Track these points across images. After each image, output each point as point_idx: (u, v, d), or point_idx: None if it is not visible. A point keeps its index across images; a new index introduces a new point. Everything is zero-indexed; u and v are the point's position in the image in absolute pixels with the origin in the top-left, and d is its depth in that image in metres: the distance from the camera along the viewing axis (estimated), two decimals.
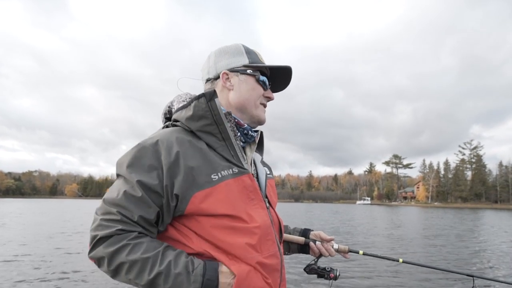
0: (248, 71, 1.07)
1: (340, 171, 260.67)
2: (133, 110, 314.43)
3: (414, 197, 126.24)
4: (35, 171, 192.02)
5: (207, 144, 0.98)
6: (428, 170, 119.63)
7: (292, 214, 36.20)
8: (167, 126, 1.05)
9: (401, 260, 1.51)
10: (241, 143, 1.08)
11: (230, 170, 0.96)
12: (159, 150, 0.92)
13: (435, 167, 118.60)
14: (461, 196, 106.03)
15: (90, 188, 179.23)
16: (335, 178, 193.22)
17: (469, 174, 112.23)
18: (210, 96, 0.97)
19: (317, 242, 1.32)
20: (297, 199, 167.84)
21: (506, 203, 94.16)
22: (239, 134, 1.07)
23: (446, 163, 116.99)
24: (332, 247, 1.32)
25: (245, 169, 1.00)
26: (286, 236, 1.32)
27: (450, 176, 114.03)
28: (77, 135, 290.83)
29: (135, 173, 0.90)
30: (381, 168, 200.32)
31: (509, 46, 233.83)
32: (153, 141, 0.93)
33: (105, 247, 0.84)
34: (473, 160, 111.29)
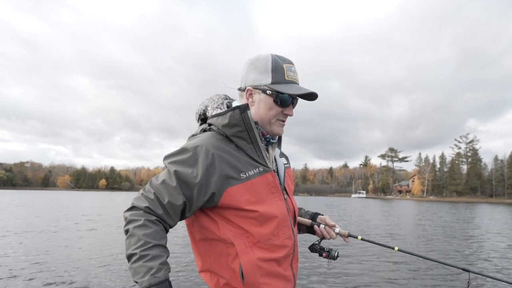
0: (268, 91, 1.20)
1: (336, 164, 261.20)
2: (126, 100, 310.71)
3: (409, 191, 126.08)
4: (27, 162, 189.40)
5: (238, 147, 1.19)
6: (423, 164, 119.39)
7: None
8: (204, 130, 1.25)
9: (396, 248, 1.61)
10: (265, 146, 1.29)
11: (257, 169, 1.19)
12: (198, 153, 1.13)
13: (431, 161, 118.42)
14: (457, 190, 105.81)
15: (83, 179, 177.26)
16: (330, 171, 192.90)
17: (464, 168, 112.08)
18: (243, 109, 1.18)
19: (321, 226, 1.51)
20: None
21: (501, 197, 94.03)
22: (263, 138, 1.28)
23: (442, 157, 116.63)
24: (334, 231, 1.50)
25: (268, 167, 1.23)
26: (298, 218, 1.51)
27: (445, 169, 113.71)
28: (70, 126, 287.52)
29: (174, 167, 1.12)
30: (376, 161, 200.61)
31: (509, 38, 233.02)
32: (194, 145, 1.15)
33: (130, 214, 1.08)
34: (469, 154, 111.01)
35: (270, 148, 1.31)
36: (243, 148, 1.19)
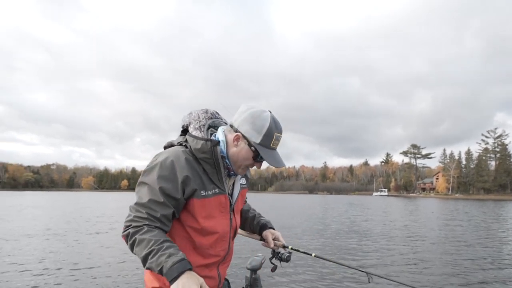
0: (252, 148, 1.38)
1: (356, 162, 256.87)
2: (145, 102, 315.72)
3: (434, 189, 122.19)
4: (53, 164, 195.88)
5: (203, 168, 1.39)
6: (448, 160, 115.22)
7: (305, 205, 34.27)
8: (180, 143, 1.44)
9: (313, 254, 1.84)
10: (226, 175, 1.47)
11: (214, 190, 1.40)
12: (175, 167, 1.31)
13: (456, 157, 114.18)
14: (484, 187, 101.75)
15: (106, 180, 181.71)
16: (351, 169, 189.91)
17: (492, 164, 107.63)
18: (214, 144, 1.38)
19: (264, 242, 1.80)
20: (311, 190, 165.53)
21: None
22: (226, 170, 1.46)
23: (468, 153, 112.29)
24: (272, 245, 1.77)
25: (223, 191, 1.44)
26: (244, 232, 1.86)
27: (472, 166, 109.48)
28: (93, 128, 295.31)
29: (158, 184, 1.29)
30: (398, 158, 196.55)
31: None
32: (170, 160, 1.33)
33: (132, 229, 1.25)
34: (497, 149, 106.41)
35: (231, 177, 1.51)
36: (207, 171, 1.39)
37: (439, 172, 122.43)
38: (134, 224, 1.25)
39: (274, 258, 1.75)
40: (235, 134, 1.40)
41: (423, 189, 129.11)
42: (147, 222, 1.25)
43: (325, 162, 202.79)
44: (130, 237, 1.23)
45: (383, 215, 23.37)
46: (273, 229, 1.82)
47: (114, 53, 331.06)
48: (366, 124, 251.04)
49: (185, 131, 1.50)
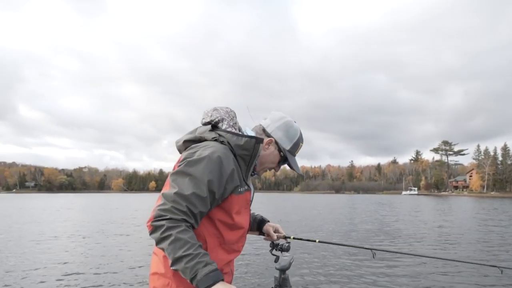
0: (281, 153, 1.54)
1: (384, 160, 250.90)
2: (172, 105, 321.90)
3: (467, 187, 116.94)
4: (85, 167, 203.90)
5: (239, 165, 1.42)
6: (483, 157, 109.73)
7: (332, 205, 33.59)
8: (215, 139, 1.42)
9: (317, 240, 2.03)
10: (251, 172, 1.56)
11: (245, 187, 1.45)
12: (223, 162, 1.31)
13: (492, 153, 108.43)
14: None
15: (134, 182, 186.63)
16: (378, 167, 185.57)
17: None
18: (259, 141, 1.43)
19: (266, 236, 1.90)
20: (338, 190, 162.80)
21: None
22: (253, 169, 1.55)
23: (505, 148, 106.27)
24: (274, 237, 1.88)
25: (250, 188, 1.51)
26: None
27: (509, 162, 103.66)
28: (122, 132, 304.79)
29: (206, 177, 1.27)
30: (428, 156, 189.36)
31: None
32: (216, 155, 1.31)
33: (168, 222, 1.19)
34: None
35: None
36: (241, 168, 1.43)
37: (472, 169, 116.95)
38: (170, 215, 1.20)
39: (275, 250, 1.85)
40: (269, 138, 1.52)
41: (456, 188, 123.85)
42: (184, 217, 1.22)
43: (352, 161, 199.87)
44: (165, 231, 1.18)
45: (414, 215, 22.46)
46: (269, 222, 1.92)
47: (142, 58, 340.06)
48: (394, 121, 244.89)
49: (213, 127, 1.49)
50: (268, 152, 1.53)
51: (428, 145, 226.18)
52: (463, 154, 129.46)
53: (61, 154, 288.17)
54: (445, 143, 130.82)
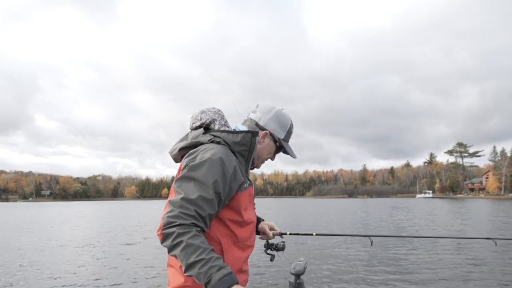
0: (277, 143, 1.59)
1: (397, 163, 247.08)
2: (184, 112, 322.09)
3: (483, 189, 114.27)
4: (99, 175, 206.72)
5: (239, 162, 1.44)
6: (500, 158, 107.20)
7: (345, 210, 33.20)
8: (212, 141, 1.42)
9: (314, 233, 2.07)
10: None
11: (248, 182, 1.46)
12: (225, 163, 1.32)
13: (509, 154, 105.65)
14: None
15: (147, 189, 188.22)
16: (392, 171, 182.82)
17: None
18: (254, 134, 1.45)
19: (261, 235, 1.89)
20: (350, 194, 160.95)
21: None
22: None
23: None
24: (270, 234, 1.88)
25: (251, 182, 1.52)
26: None
27: None
28: (135, 139, 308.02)
29: (210, 180, 1.27)
30: (443, 158, 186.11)
31: None
32: (218, 156, 1.32)
33: (178, 229, 1.18)
34: None
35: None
36: (241, 164, 1.45)
37: (489, 171, 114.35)
38: (180, 221, 1.20)
39: (270, 249, 1.84)
40: (264, 131, 1.55)
41: (471, 190, 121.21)
42: (193, 221, 1.22)
43: (364, 165, 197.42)
44: (175, 238, 1.18)
45: (431, 219, 22.01)
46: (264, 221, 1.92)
47: (154, 66, 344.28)
48: (407, 124, 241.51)
49: (205, 129, 1.51)
50: (264, 145, 1.57)
51: (442, 147, 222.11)
52: (479, 156, 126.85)
53: (76, 162, 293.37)
54: (460, 144, 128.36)
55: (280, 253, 1.84)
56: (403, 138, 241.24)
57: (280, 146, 1.60)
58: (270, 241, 1.86)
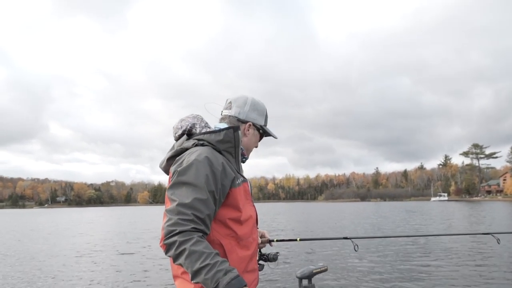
0: (260, 130, 1.63)
1: (410, 166, 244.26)
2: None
3: (501, 191, 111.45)
4: (112, 181, 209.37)
5: (227, 160, 1.44)
6: None
7: (358, 214, 32.74)
8: (196, 144, 1.43)
9: (298, 239, 2.10)
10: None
11: (240, 179, 1.46)
12: (212, 161, 1.32)
13: None
14: None
15: (160, 195, 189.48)
16: (405, 174, 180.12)
17: None
18: (236, 129, 1.47)
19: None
20: (363, 198, 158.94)
21: None
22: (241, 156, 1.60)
23: None
24: (262, 242, 1.84)
25: (245, 178, 1.53)
26: None
27: None
28: (146, 146, 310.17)
29: (201, 181, 1.27)
30: (458, 160, 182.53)
31: None
32: (203, 156, 1.32)
33: (179, 237, 1.17)
34: None
35: (241, 164, 1.62)
36: (230, 161, 1.45)
37: (506, 172, 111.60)
38: (180, 228, 1.18)
39: (261, 260, 1.79)
40: (247, 123, 1.58)
41: (488, 192, 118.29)
42: (193, 225, 1.20)
43: (377, 168, 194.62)
44: (178, 247, 1.17)
45: (451, 223, 21.49)
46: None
47: (164, 73, 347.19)
48: (419, 125, 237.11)
49: (189, 135, 1.53)
50: (250, 136, 1.60)
51: (457, 149, 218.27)
52: (496, 157, 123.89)
53: (89, 169, 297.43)
54: (476, 146, 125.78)
55: (272, 264, 1.78)
56: (416, 141, 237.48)
57: (263, 132, 1.64)
58: (262, 251, 1.78)
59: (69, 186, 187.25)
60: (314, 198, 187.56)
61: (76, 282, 7.45)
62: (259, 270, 1.75)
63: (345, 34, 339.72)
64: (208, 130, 1.50)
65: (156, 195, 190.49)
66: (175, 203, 1.24)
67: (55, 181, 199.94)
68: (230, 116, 1.58)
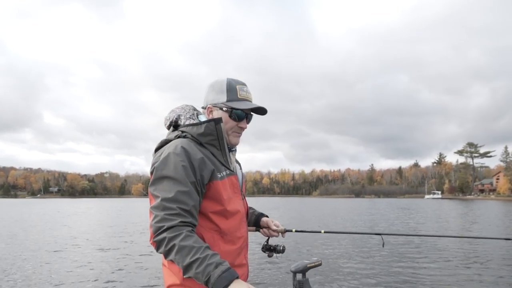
0: (224, 108, 1.44)
1: (405, 163, 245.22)
2: None
3: (494, 190, 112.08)
4: (106, 172, 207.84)
5: (211, 152, 1.40)
6: (511, 158, 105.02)
7: (351, 211, 32.39)
8: (178, 136, 1.41)
9: (323, 231, 2.04)
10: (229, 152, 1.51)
11: (225, 172, 1.41)
12: (189, 152, 1.30)
13: None
14: None
15: None
16: (400, 171, 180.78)
17: None
18: (217, 121, 1.40)
19: (263, 229, 1.82)
20: (357, 194, 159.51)
21: None
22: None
23: None
24: (275, 231, 1.80)
25: (232, 171, 1.47)
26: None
27: None
28: (142, 137, 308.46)
29: (180, 171, 1.25)
30: (452, 158, 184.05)
31: None
32: (180, 147, 1.30)
33: (168, 233, 1.17)
34: None
35: (231, 155, 1.53)
36: (214, 154, 1.41)
37: (500, 172, 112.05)
38: (167, 224, 1.18)
39: (268, 251, 1.79)
40: (207, 108, 1.48)
41: (482, 191, 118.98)
42: (180, 219, 1.20)
43: (372, 164, 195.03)
44: (167, 243, 1.17)
45: (447, 223, 21.12)
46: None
47: (161, 65, 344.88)
48: (415, 123, 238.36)
49: (175, 126, 1.50)
50: None
51: (451, 148, 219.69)
52: (490, 156, 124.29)
53: (83, 160, 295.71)
54: (470, 145, 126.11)
55: (279, 256, 1.80)
56: (411, 138, 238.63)
57: (231, 109, 1.44)
58: (270, 242, 1.78)
59: (62, 176, 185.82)
60: (308, 194, 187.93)
61: (47, 278, 6.86)
62: (268, 256, 1.78)
63: (345, 29, 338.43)
64: (192, 122, 1.46)
65: None
66: (159, 199, 1.23)
67: (48, 171, 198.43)
68: (202, 107, 1.53)
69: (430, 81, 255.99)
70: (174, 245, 1.15)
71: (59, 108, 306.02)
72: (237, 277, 1.13)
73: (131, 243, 11.83)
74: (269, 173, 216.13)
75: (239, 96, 1.45)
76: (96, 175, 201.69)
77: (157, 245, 1.19)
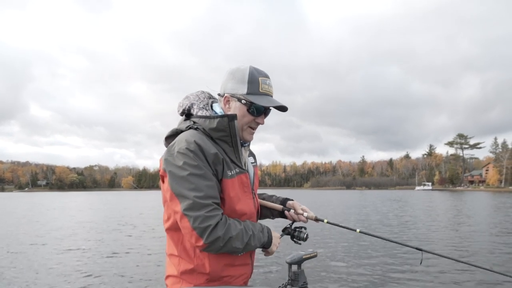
0: (243, 101, 1.33)
1: (396, 155, 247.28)
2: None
3: (483, 181, 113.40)
4: (95, 165, 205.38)
5: (222, 149, 1.34)
6: (501, 150, 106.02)
7: (342, 203, 31.86)
8: (190, 127, 1.36)
9: (358, 230, 1.75)
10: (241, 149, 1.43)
11: (235, 170, 1.35)
12: (202, 148, 1.25)
13: (510, 146, 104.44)
14: None
15: (144, 180, 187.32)
16: (390, 162, 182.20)
17: None
18: (232, 118, 1.31)
19: (290, 210, 1.65)
20: (348, 186, 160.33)
21: None
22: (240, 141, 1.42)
23: None
24: (303, 215, 1.63)
25: (244, 169, 1.40)
26: (268, 203, 1.68)
27: None
28: (132, 130, 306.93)
29: (201, 167, 1.22)
30: (442, 150, 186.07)
31: None
32: (193, 141, 1.25)
33: (219, 230, 1.19)
34: None
35: (243, 151, 1.43)
36: (225, 150, 1.34)
37: (489, 163, 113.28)
38: (213, 222, 1.18)
39: (292, 235, 1.61)
40: (224, 97, 1.38)
41: (471, 182, 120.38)
42: (218, 212, 1.22)
43: (363, 156, 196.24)
44: (223, 238, 1.20)
45: (440, 216, 20.60)
46: None
47: (149, 55, 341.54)
48: (406, 114, 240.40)
49: (188, 115, 1.43)
50: (232, 111, 1.37)
51: (442, 139, 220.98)
52: (479, 148, 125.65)
53: (72, 152, 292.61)
54: (461, 136, 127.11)
55: (300, 242, 1.66)
56: (402, 129, 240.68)
57: (250, 103, 1.33)
58: (294, 227, 1.61)
59: (51, 169, 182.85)
60: (300, 185, 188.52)
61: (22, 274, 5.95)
62: (291, 239, 1.59)
63: (336, 18, 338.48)
64: (205, 113, 1.37)
65: (140, 180, 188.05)
66: (192, 201, 1.19)
67: (36, 164, 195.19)
68: (219, 95, 1.43)
69: (421, 72, 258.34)
70: (231, 237, 1.20)
71: (45, 100, 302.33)
72: (269, 229, 1.39)
73: (125, 236, 10.94)
74: (260, 165, 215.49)
75: (261, 90, 1.34)
76: (85, 168, 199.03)
77: (211, 245, 1.19)
